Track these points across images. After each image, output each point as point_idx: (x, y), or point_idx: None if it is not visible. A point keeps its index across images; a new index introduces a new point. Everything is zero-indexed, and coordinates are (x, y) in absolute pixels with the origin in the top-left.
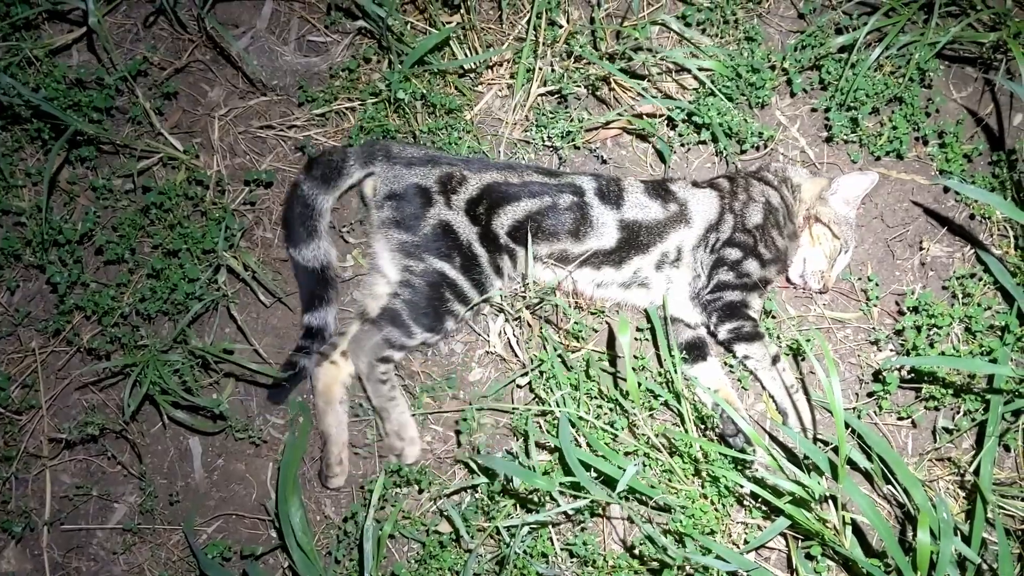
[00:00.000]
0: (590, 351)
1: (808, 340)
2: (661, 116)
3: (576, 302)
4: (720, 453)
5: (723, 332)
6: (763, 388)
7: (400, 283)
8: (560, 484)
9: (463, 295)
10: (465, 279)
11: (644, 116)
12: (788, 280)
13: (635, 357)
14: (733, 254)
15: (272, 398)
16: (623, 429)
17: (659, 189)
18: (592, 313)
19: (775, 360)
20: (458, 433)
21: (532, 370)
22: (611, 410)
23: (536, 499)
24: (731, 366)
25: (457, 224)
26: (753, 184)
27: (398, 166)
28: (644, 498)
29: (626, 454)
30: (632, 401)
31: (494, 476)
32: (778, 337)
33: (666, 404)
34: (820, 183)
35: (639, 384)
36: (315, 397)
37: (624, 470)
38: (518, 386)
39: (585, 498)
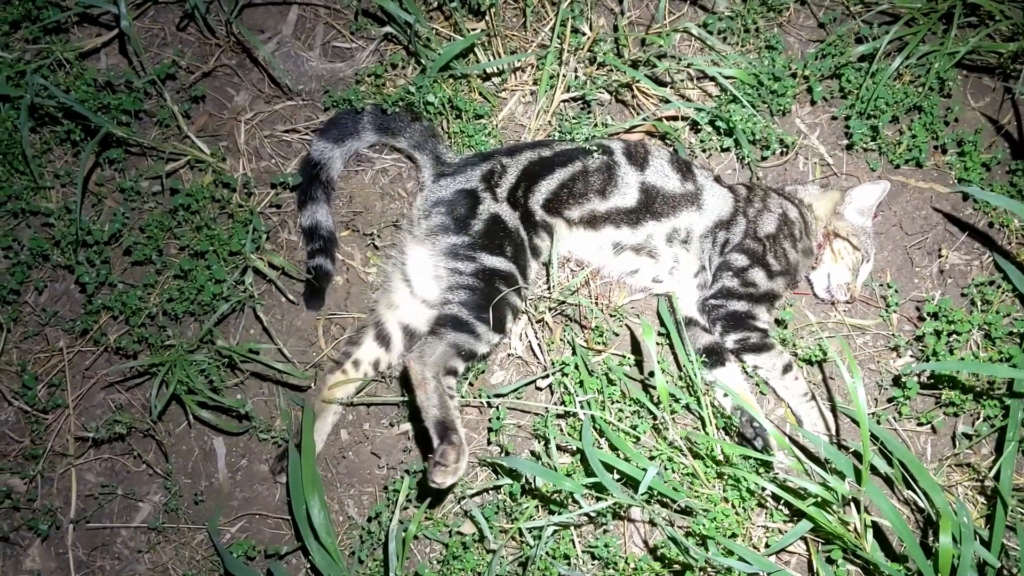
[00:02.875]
0: (611, 355)
1: (825, 349)
2: (686, 120)
3: (597, 301)
4: (742, 456)
5: (730, 342)
6: (777, 396)
7: (449, 288)
8: (583, 486)
9: (516, 284)
10: (515, 268)
11: (666, 120)
12: (815, 295)
13: (657, 361)
14: (740, 260)
15: (311, 307)
16: (646, 432)
17: (682, 165)
18: (612, 315)
19: (786, 370)
20: (490, 431)
21: (554, 373)
22: (634, 413)
23: (558, 500)
24: (748, 372)
25: (504, 214)
26: (771, 196)
27: (443, 179)
28: (666, 500)
29: (651, 458)
30: (661, 406)
31: (518, 477)
32: (794, 344)
33: (687, 407)
34: (832, 198)
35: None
36: (313, 397)
37: (646, 471)
38: (538, 388)
39: (607, 500)
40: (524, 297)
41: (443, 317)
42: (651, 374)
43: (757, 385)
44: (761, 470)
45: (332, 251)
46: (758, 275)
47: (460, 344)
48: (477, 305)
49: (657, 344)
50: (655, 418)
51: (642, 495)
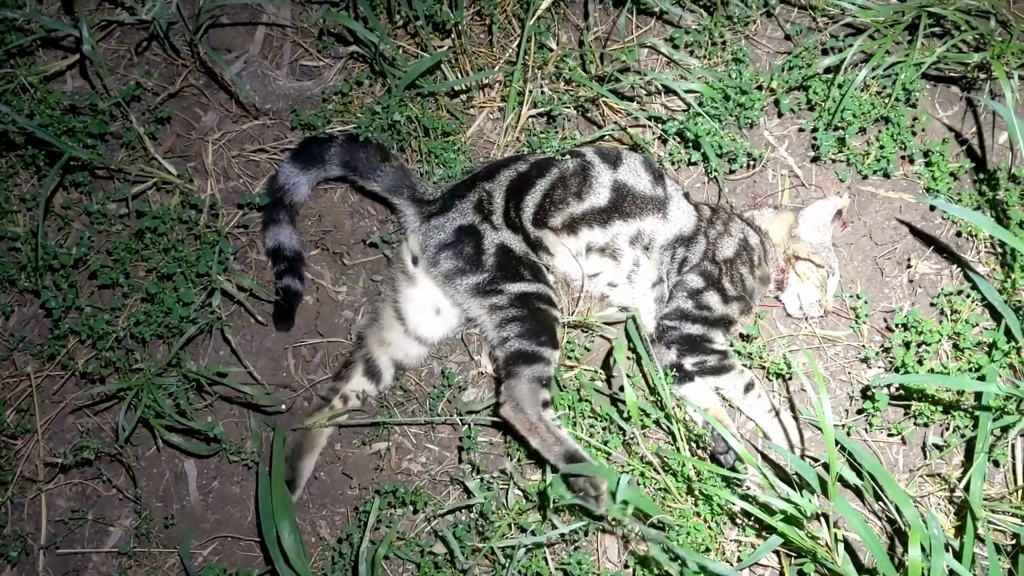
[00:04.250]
0: (583, 370)
1: (789, 363)
2: (654, 132)
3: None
4: (712, 472)
5: (688, 365)
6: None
7: (498, 326)
8: (554, 504)
9: (550, 299)
10: (542, 285)
11: (631, 131)
12: (788, 314)
13: (627, 376)
14: (696, 282)
15: (280, 328)
16: (617, 448)
17: (654, 170)
18: (584, 331)
19: (748, 389)
20: (460, 450)
21: None
22: (604, 429)
23: (530, 519)
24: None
25: (509, 241)
26: (734, 220)
27: (434, 219)
28: (639, 515)
29: (621, 473)
30: (631, 421)
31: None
32: (761, 358)
33: (657, 423)
34: (786, 220)
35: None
36: (300, 436)
37: (619, 481)
38: None
39: (580, 521)
40: (557, 307)
41: (511, 356)
42: (621, 389)
43: (726, 399)
44: (732, 485)
45: (299, 270)
46: (713, 299)
47: (539, 375)
48: (532, 331)
49: (628, 360)
50: (625, 434)
51: (618, 506)
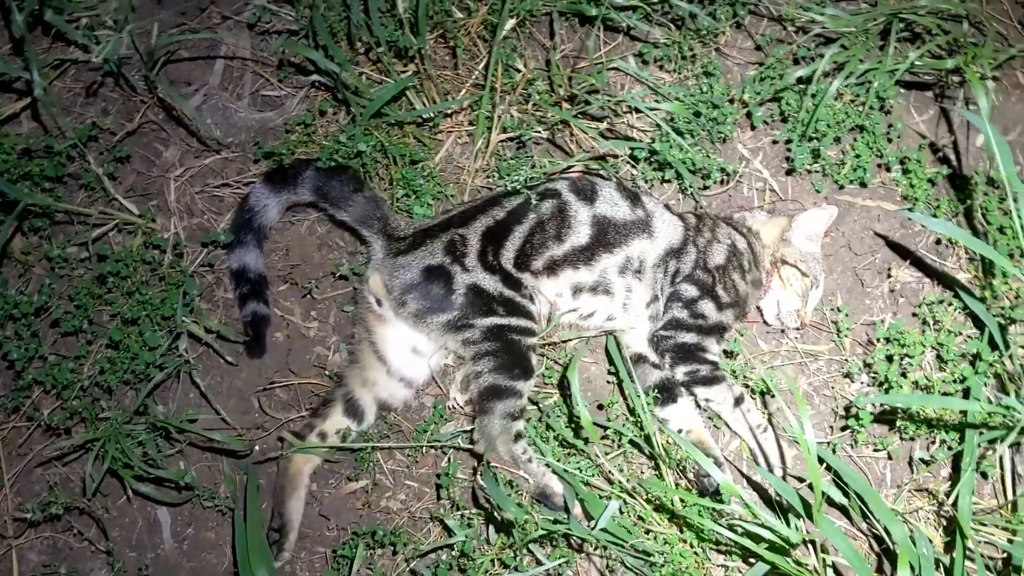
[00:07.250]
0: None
1: (771, 380)
2: (623, 156)
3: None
4: (696, 502)
5: (679, 374)
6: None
7: (472, 358)
8: (537, 537)
9: (528, 329)
10: (516, 317)
11: (607, 157)
12: (765, 322)
13: (609, 404)
14: (690, 291)
15: (253, 355)
16: (593, 475)
17: (630, 193)
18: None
19: (738, 402)
20: (438, 488)
21: None
22: (572, 456)
23: (512, 555)
24: (700, 405)
25: (483, 281)
26: (720, 226)
27: (401, 256)
28: (622, 543)
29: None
30: (590, 444)
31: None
32: (744, 376)
33: (638, 447)
34: (779, 224)
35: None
36: (281, 479)
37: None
38: None
39: (563, 555)
40: (536, 333)
41: (484, 392)
42: (603, 423)
43: (711, 419)
44: (716, 512)
45: (264, 294)
46: (707, 307)
47: (511, 410)
48: (505, 365)
49: (608, 383)
50: (595, 461)
51: (598, 532)
